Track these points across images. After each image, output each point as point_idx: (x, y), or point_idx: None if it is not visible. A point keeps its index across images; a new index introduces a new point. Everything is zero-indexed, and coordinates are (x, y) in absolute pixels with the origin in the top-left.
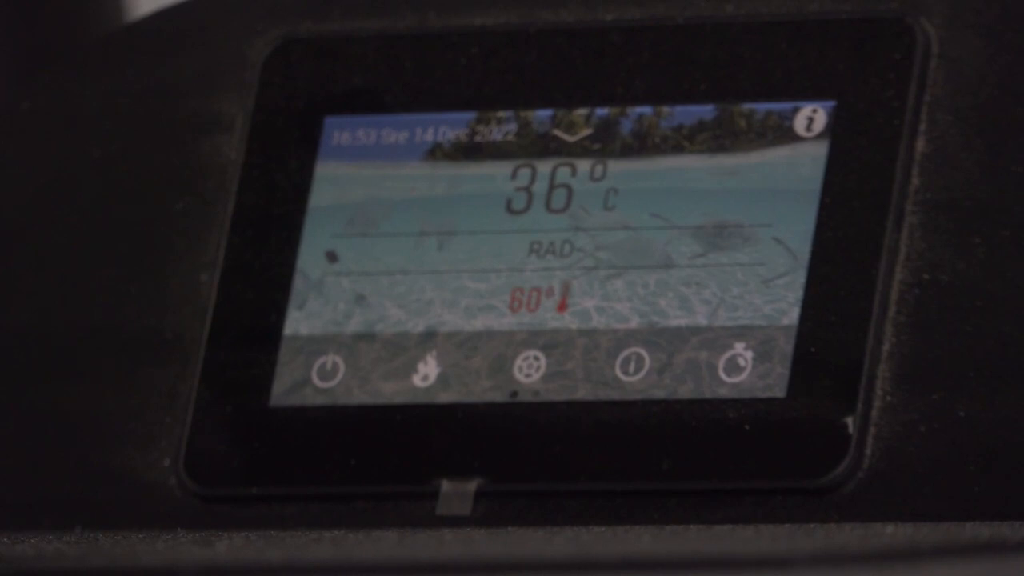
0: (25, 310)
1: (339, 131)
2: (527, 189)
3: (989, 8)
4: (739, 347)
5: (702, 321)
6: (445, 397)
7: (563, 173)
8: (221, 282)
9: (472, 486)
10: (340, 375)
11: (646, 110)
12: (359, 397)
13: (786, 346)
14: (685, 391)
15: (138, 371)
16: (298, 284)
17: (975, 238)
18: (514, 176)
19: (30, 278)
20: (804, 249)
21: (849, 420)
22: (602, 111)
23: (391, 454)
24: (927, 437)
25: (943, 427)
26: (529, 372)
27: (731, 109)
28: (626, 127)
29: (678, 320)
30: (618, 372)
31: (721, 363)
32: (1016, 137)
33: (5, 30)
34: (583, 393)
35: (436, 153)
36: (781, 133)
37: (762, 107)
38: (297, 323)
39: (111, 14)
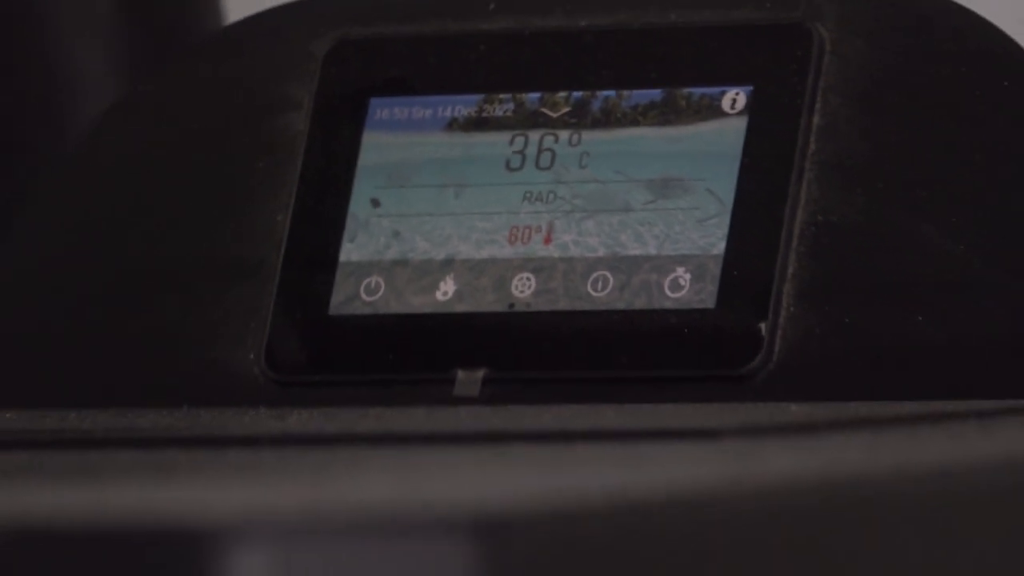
0: (146, 243)
1: (381, 109)
2: (521, 152)
3: (869, 17)
4: (680, 271)
5: (652, 251)
6: (460, 308)
7: (548, 140)
8: (292, 221)
9: (479, 375)
10: (381, 291)
11: (611, 93)
12: (395, 308)
13: (715, 270)
14: (639, 303)
15: (231, 288)
16: (350, 223)
17: (857, 189)
18: (511, 143)
19: (150, 219)
20: (729, 197)
21: (762, 326)
22: (577, 94)
23: (419, 351)
24: (821, 339)
25: (833, 331)
26: (523, 289)
27: (674, 92)
28: (596, 106)
29: (634, 250)
30: (589, 289)
31: (666, 283)
32: (888, 114)
33: (135, 35)
34: (563, 305)
35: (453, 125)
36: (712, 111)
37: (697, 91)
38: (349, 252)
39: (210, 22)
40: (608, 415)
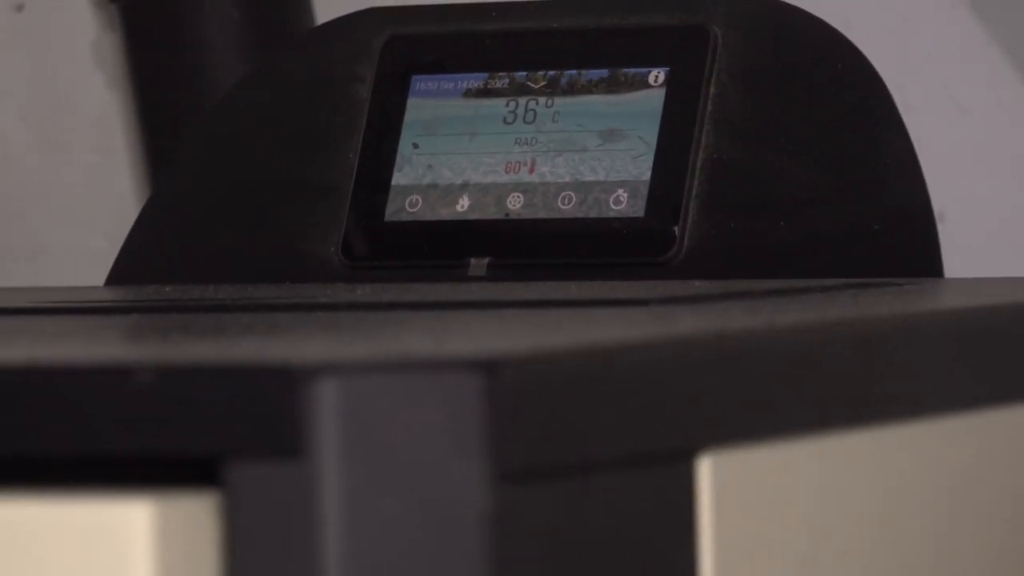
0: (262, 172)
1: (419, 82)
2: (513, 112)
3: (747, 21)
4: (620, 191)
5: (601, 178)
6: (472, 216)
7: (531, 104)
8: (360, 158)
9: (485, 261)
10: (419, 205)
11: (573, 72)
12: (429, 216)
13: (644, 191)
14: (593, 213)
15: (319, 203)
16: (398, 159)
17: (738, 137)
18: (507, 105)
19: (264, 156)
20: (653, 142)
21: (675, 228)
22: (551, 72)
23: (445, 245)
24: (715, 238)
25: (723, 233)
26: (515, 203)
27: (617, 71)
28: (563, 81)
29: (589, 178)
30: (559, 204)
31: (611, 200)
32: (759, 87)
33: (255, 32)
34: (542, 214)
35: (468, 94)
36: (641, 84)
37: (632, 70)
38: (398, 179)
39: (306, 23)
40: (572, 289)
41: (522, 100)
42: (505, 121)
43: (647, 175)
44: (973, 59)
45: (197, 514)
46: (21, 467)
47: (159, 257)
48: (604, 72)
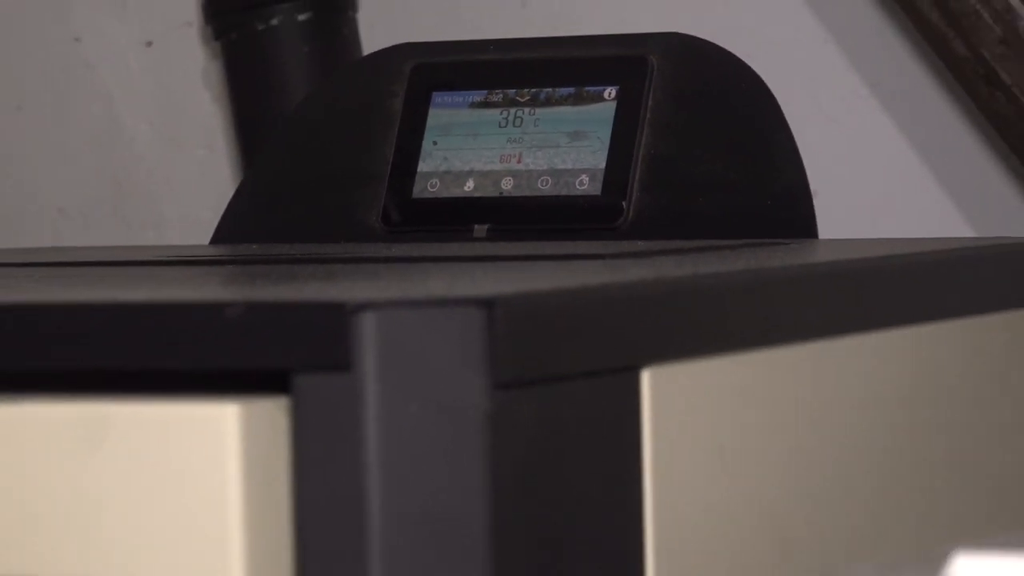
0: (324, 161)
1: (438, 97)
2: (506, 119)
3: (677, 54)
4: (583, 176)
5: (569, 167)
6: (476, 194)
7: (519, 112)
8: (395, 153)
9: (485, 227)
10: (438, 186)
11: (549, 89)
12: (445, 194)
13: (600, 177)
14: (564, 192)
15: (366, 185)
16: (422, 153)
17: (669, 137)
18: (501, 114)
19: (327, 150)
20: (607, 140)
21: (624, 203)
22: (534, 90)
23: (457, 215)
24: (653, 210)
25: (659, 207)
26: (507, 185)
27: (581, 89)
28: (542, 95)
29: (561, 166)
30: (539, 185)
31: (576, 182)
32: (685, 101)
33: (320, 62)
34: (527, 193)
35: (473, 105)
36: (599, 98)
37: (591, 88)
38: (422, 167)
39: (355, 55)
40: (547, 247)
41: (512, 110)
42: (500, 125)
43: (603, 164)
44: (838, 83)
45: (273, 413)
46: (144, 378)
47: (248, 224)
48: (571, 90)
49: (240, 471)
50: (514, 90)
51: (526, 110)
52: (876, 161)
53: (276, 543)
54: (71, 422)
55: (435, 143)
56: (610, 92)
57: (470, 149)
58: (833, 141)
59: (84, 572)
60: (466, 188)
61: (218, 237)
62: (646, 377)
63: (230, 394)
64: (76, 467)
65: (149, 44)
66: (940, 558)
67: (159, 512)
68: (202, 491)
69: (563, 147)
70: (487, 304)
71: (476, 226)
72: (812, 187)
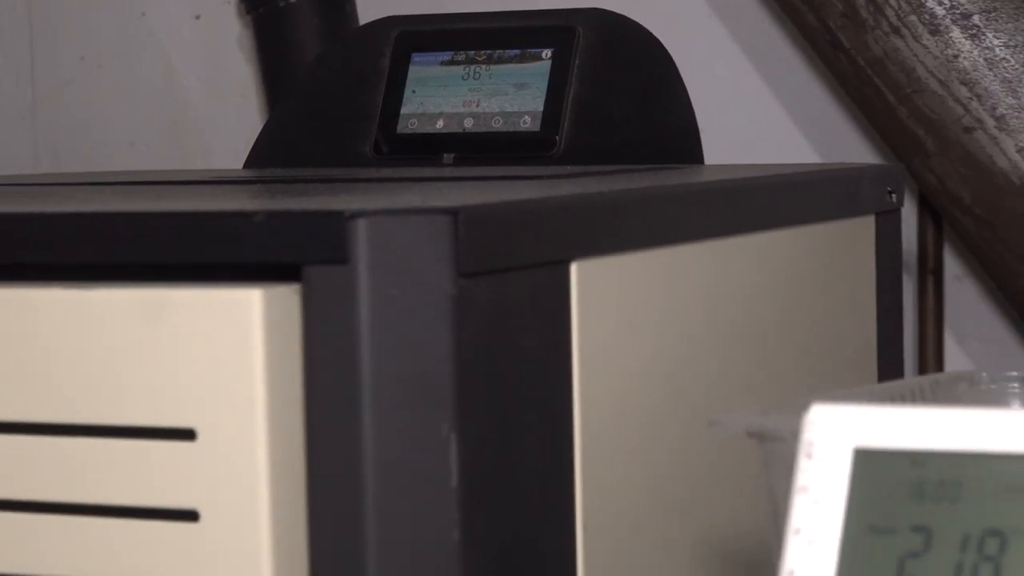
0: (327, 109)
1: (416, 57)
2: (467, 74)
3: (597, 24)
4: (526, 116)
5: (516, 110)
6: (445, 131)
7: (477, 69)
8: (384, 100)
9: (452, 156)
10: (416, 124)
11: (501, 51)
12: (421, 130)
13: (539, 117)
14: (512, 129)
15: (361, 127)
16: (404, 99)
17: (589, 85)
18: (464, 70)
19: (328, 102)
20: (544, 89)
21: (556, 137)
22: (488, 51)
23: (429, 146)
24: (579, 143)
25: (584, 140)
26: (468, 123)
27: (525, 51)
28: (495, 56)
29: (509, 109)
30: (492, 124)
31: (520, 121)
32: (604, 61)
33: (327, 32)
34: (482, 129)
35: (443, 63)
36: (538, 58)
37: (532, 50)
38: (405, 110)
39: (353, 24)
40: (499, 170)
41: (472, 67)
42: (463, 78)
43: (541, 108)
44: (719, 46)
45: (288, 296)
46: (190, 270)
47: (271, 154)
48: (517, 51)
49: (263, 340)
50: (473, 51)
51: (483, 67)
52: (747, 106)
53: (291, 394)
54: (136, 303)
55: (414, 92)
56: (547, 53)
57: (440, 96)
58: (715, 91)
59: (145, 415)
60: (437, 126)
61: (249, 163)
62: (574, 268)
63: (256, 282)
64: (140, 336)
65: (198, 17)
66: (801, 407)
67: (202, 368)
68: (235, 354)
69: (510, 95)
70: (453, 213)
71: (445, 155)
72: (700, 125)
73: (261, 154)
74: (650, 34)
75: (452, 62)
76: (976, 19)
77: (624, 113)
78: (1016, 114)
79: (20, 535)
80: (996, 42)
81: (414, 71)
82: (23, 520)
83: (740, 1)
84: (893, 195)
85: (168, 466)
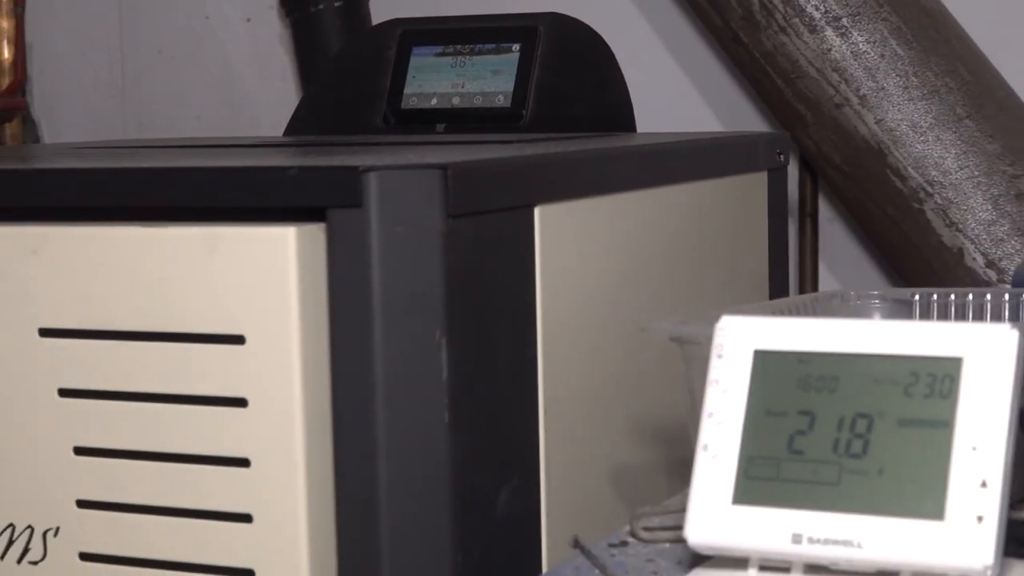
0: (345, 88)
1: (416, 50)
2: (455, 62)
3: (556, 24)
4: (500, 95)
5: (493, 90)
6: (438, 107)
7: (463, 60)
8: (391, 81)
9: (443, 126)
10: (416, 102)
11: (481, 45)
12: (419, 106)
13: (510, 95)
14: (489, 105)
15: (374, 101)
16: (407, 82)
17: (554, 68)
18: (453, 59)
19: (344, 82)
20: (514, 75)
21: (524, 111)
22: (471, 45)
23: (428, 119)
24: (543, 116)
25: (549, 113)
26: (456, 101)
27: (499, 45)
28: (476, 48)
29: (488, 90)
30: (474, 102)
31: (495, 100)
32: (561, 53)
33: (344, 31)
34: (468, 106)
35: (437, 55)
36: (509, 51)
37: (505, 44)
38: (408, 90)
39: (367, 25)
40: (478, 136)
41: (459, 57)
42: (452, 67)
43: (512, 89)
44: (646, 41)
45: (316, 234)
46: (239, 212)
47: (305, 125)
48: (493, 45)
49: (296, 267)
50: (460, 45)
51: (467, 57)
52: (668, 86)
53: (318, 308)
54: (198, 238)
55: (414, 76)
56: (516, 47)
57: (434, 80)
58: (643, 75)
59: (205, 324)
60: (432, 103)
61: (288, 131)
62: (537, 212)
63: (290, 222)
64: (201, 264)
65: (249, 20)
66: (713, 318)
67: (250, 289)
68: (274, 277)
69: (488, 79)
70: (443, 168)
71: (438, 125)
72: (633, 101)
73: (297, 124)
74: (595, 32)
75: (444, 53)
76: (844, 21)
77: (575, 92)
78: (875, 94)
79: (118, 416)
80: (860, 39)
81: (414, 60)
82: (118, 406)
83: (662, 6)
84: (781, 156)
85: (223, 364)
